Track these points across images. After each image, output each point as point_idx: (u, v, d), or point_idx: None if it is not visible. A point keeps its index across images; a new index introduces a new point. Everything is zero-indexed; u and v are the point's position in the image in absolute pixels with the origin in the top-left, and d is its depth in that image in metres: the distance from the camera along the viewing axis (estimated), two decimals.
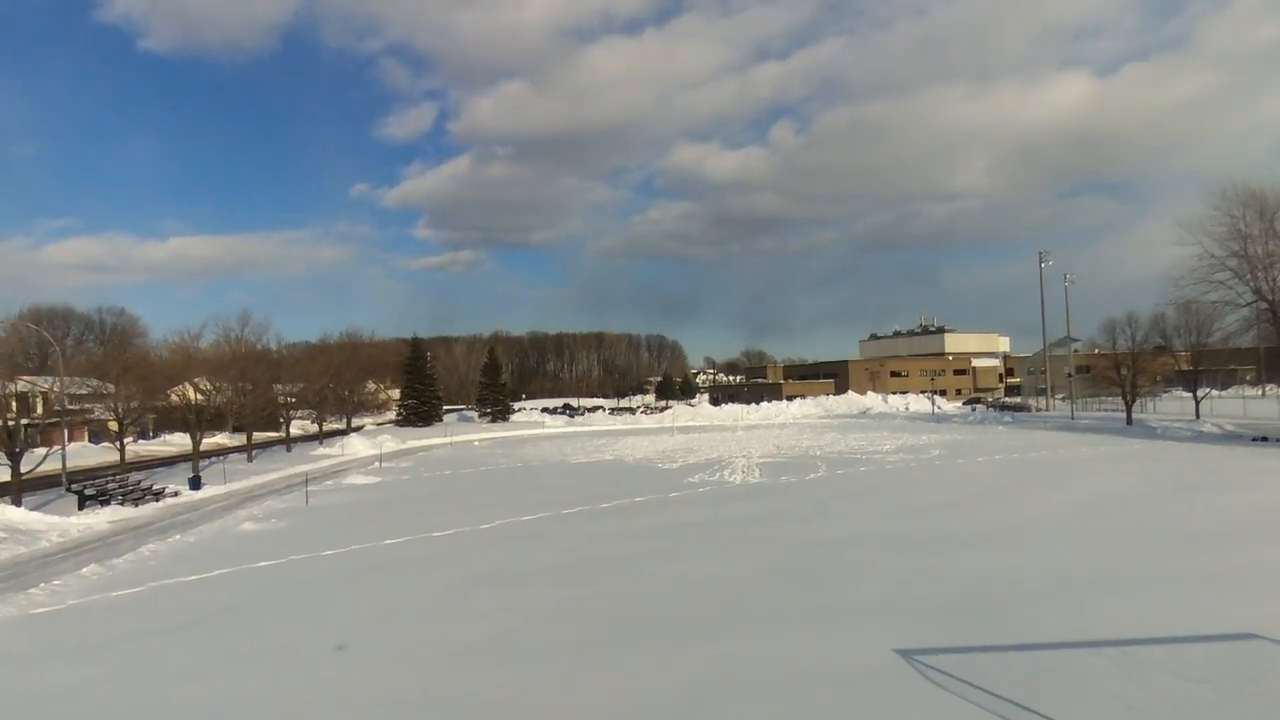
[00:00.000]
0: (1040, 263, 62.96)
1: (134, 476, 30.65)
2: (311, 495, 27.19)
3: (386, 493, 27.30)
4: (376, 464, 37.90)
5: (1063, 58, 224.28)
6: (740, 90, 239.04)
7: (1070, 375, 54.11)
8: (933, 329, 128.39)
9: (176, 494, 28.49)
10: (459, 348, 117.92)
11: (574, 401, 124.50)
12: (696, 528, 16.82)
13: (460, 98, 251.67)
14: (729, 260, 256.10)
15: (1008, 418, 55.82)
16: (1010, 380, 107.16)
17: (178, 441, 60.55)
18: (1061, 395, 66.81)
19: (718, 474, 27.65)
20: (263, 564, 15.54)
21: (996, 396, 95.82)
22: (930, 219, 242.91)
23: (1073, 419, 51.85)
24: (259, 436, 57.45)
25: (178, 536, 19.51)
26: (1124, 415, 51.97)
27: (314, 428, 68.49)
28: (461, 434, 57.20)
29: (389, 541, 17.13)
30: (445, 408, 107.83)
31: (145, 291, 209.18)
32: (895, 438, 42.45)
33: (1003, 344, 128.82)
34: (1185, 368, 61.12)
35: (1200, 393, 50.62)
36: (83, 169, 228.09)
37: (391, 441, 51.92)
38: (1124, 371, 46.00)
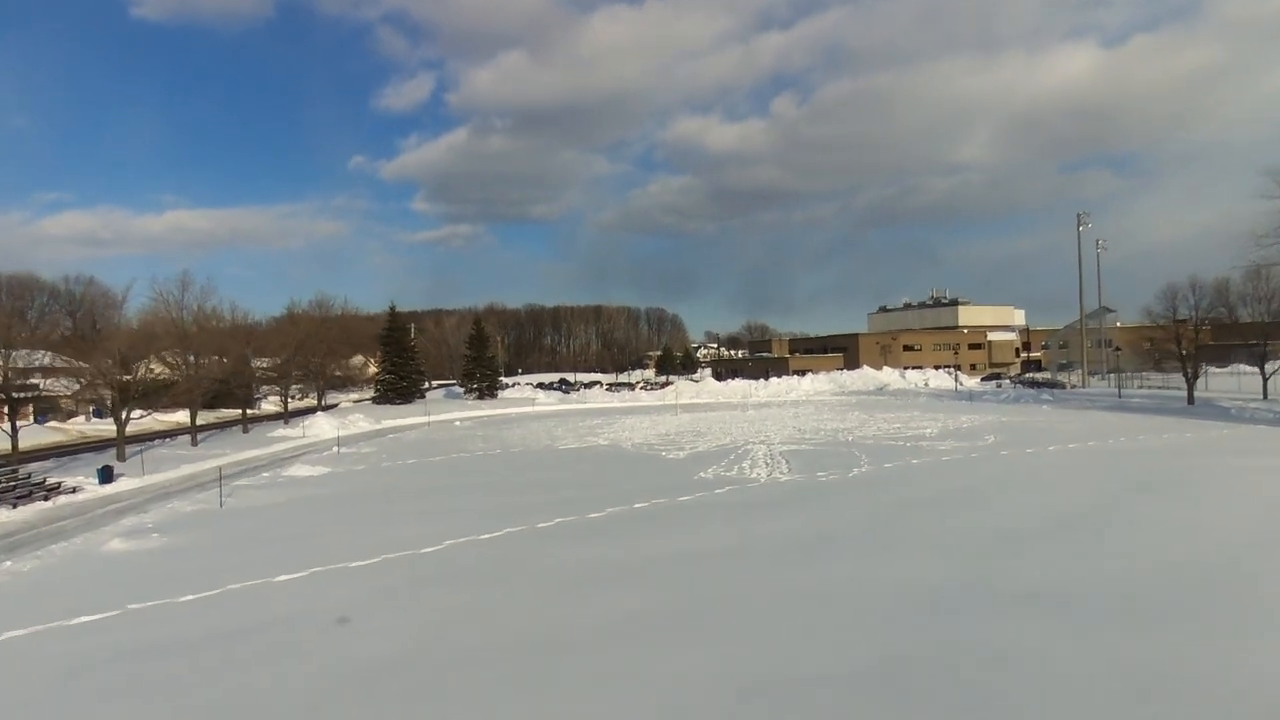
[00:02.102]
0: (1078, 225, 57.40)
1: (29, 468, 25.56)
2: (238, 492, 22.18)
3: (328, 489, 22.19)
4: (335, 449, 32.82)
5: (1070, 27, 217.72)
6: (742, 60, 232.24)
7: (1118, 349, 48.97)
8: (945, 301, 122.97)
9: (75, 490, 23.39)
10: (450, 321, 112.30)
11: (570, 376, 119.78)
12: (720, 564, 11.68)
13: (458, 68, 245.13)
14: (729, 234, 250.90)
15: (1046, 395, 50.68)
16: (1027, 355, 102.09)
17: (134, 420, 55.66)
18: (1094, 371, 61.67)
19: (735, 467, 22.56)
20: (81, 620, 10.47)
21: (1017, 373, 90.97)
22: (933, 193, 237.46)
23: (1119, 397, 46.76)
24: (223, 416, 52.53)
25: (9, 564, 14.39)
26: (1176, 393, 47.23)
27: (297, 404, 63.67)
28: (442, 413, 52.08)
29: (283, 578, 12.03)
30: (436, 383, 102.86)
31: (143, 265, 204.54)
32: (931, 419, 37.35)
33: (1018, 317, 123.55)
34: (1209, 341, 56.31)
35: (1244, 369, 46.04)
36: (76, 141, 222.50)
37: (364, 421, 46.83)
38: (1184, 344, 40.79)
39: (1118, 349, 49.90)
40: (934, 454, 23.77)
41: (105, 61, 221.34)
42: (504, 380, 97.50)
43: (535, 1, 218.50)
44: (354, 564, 12.77)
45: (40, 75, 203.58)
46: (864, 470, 20.90)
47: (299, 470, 25.95)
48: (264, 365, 50.78)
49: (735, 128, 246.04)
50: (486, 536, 14.44)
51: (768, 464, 22.97)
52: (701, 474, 21.57)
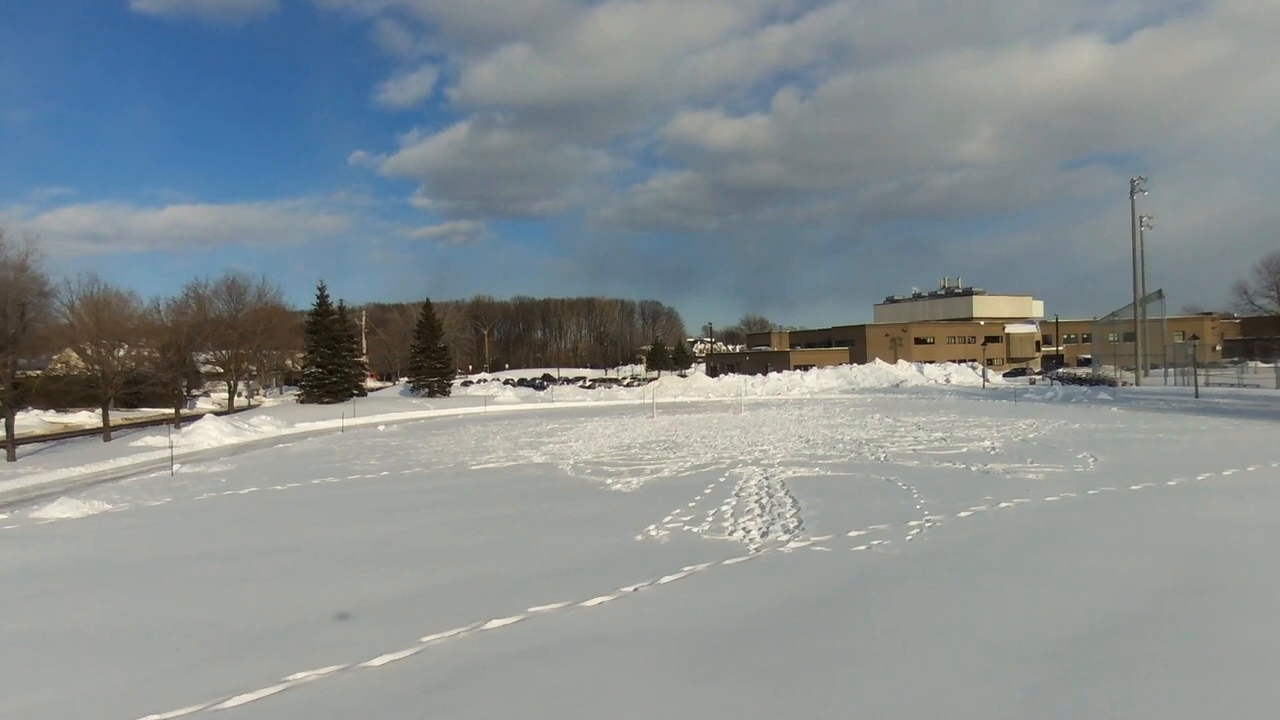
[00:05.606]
0: (1132, 193, 48.81)
1: None
2: None
3: (34, 559, 13.52)
4: (171, 470, 24.22)
5: (1074, 22, 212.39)
6: (746, 55, 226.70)
7: (1193, 340, 40.67)
8: (959, 291, 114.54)
9: None
10: (418, 312, 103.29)
11: (555, 372, 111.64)
12: None
13: (460, 62, 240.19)
14: (730, 231, 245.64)
15: (1104, 394, 42.19)
16: (1055, 349, 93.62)
17: (28, 424, 47.13)
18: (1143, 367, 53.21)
19: (709, 512, 13.95)
20: None
21: (1039, 368, 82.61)
22: (935, 189, 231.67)
23: (1197, 397, 38.23)
24: (126, 415, 43.86)
25: None
26: (1258, 391, 39.46)
27: (241, 402, 55.18)
28: (371, 414, 43.45)
29: None
30: (402, 380, 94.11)
31: (144, 262, 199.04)
32: (978, 424, 28.78)
33: (1037, 308, 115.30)
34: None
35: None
36: (76, 136, 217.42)
37: (268, 425, 38.25)
38: None
39: (1195, 339, 41.52)
40: (1025, 489, 15.10)
41: (106, 55, 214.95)
42: (478, 376, 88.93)
43: None
44: None
45: (41, 69, 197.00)
46: (927, 526, 12.21)
47: (54, 510, 17.25)
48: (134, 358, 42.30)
49: (737, 123, 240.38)
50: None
51: (762, 506, 14.35)
52: (651, 528, 12.94)
